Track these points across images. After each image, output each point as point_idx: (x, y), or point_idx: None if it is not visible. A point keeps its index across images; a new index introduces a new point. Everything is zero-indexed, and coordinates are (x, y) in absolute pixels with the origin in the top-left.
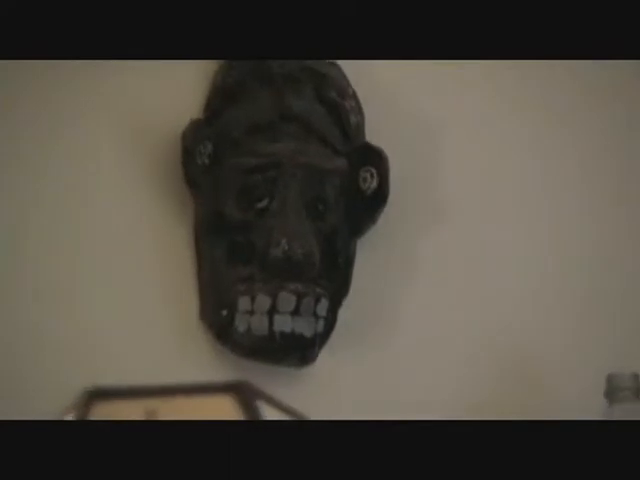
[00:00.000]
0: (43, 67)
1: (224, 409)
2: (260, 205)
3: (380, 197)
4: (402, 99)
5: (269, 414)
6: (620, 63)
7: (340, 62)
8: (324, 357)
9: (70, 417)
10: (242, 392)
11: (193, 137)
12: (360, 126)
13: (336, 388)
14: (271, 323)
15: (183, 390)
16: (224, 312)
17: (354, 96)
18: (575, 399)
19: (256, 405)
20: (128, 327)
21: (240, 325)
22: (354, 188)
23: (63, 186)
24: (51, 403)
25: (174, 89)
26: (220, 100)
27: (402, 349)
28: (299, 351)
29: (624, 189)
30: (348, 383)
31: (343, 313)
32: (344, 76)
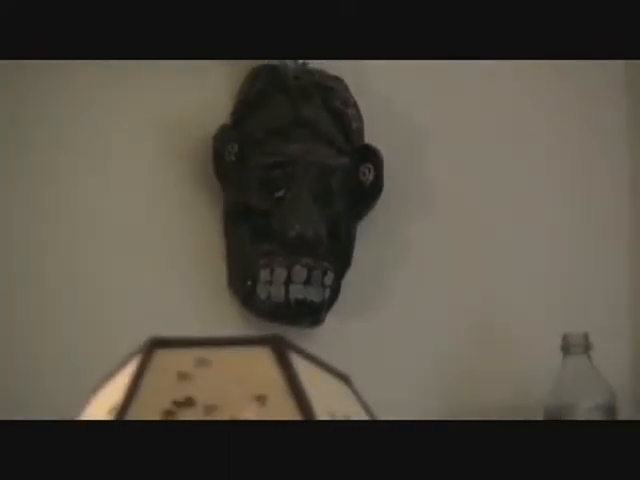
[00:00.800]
0: (90, 68)
1: (262, 358)
2: (278, 195)
3: (376, 188)
4: (396, 107)
5: (299, 364)
6: (604, 63)
7: (343, 77)
8: (330, 320)
9: (134, 363)
10: (278, 344)
11: (222, 139)
12: (360, 130)
13: (340, 345)
14: (287, 292)
15: (228, 341)
16: (248, 282)
17: (355, 105)
18: (536, 353)
19: (289, 354)
20: (170, 293)
21: (261, 293)
22: (355, 181)
23: (116, 179)
24: (115, 352)
25: (207, 99)
26: (244, 108)
27: (395, 313)
28: (310, 315)
29: (585, 183)
30: (350, 341)
31: (346, 283)
32: (347, 89)
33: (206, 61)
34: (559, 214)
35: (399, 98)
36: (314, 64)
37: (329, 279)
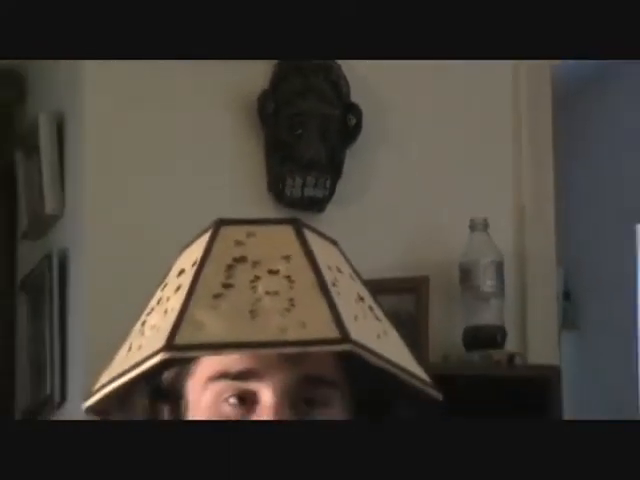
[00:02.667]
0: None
1: (287, 232)
2: (297, 133)
3: (357, 129)
4: (370, 79)
5: (309, 235)
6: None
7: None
8: (329, 209)
9: (207, 234)
10: (296, 223)
11: (264, 99)
12: (347, 93)
13: (335, 225)
14: (303, 192)
15: (266, 221)
16: (279, 186)
17: (345, 78)
18: (455, 232)
19: (303, 229)
20: (231, 195)
21: (287, 192)
22: (344, 125)
23: (198, 124)
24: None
25: (254, 76)
26: (276, 81)
27: (368, 204)
28: (317, 205)
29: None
30: (342, 223)
31: (339, 187)
32: (339, 67)
33: None
34: (472, 148)
35: (373, 73)
36: None
37: (328, 184)
